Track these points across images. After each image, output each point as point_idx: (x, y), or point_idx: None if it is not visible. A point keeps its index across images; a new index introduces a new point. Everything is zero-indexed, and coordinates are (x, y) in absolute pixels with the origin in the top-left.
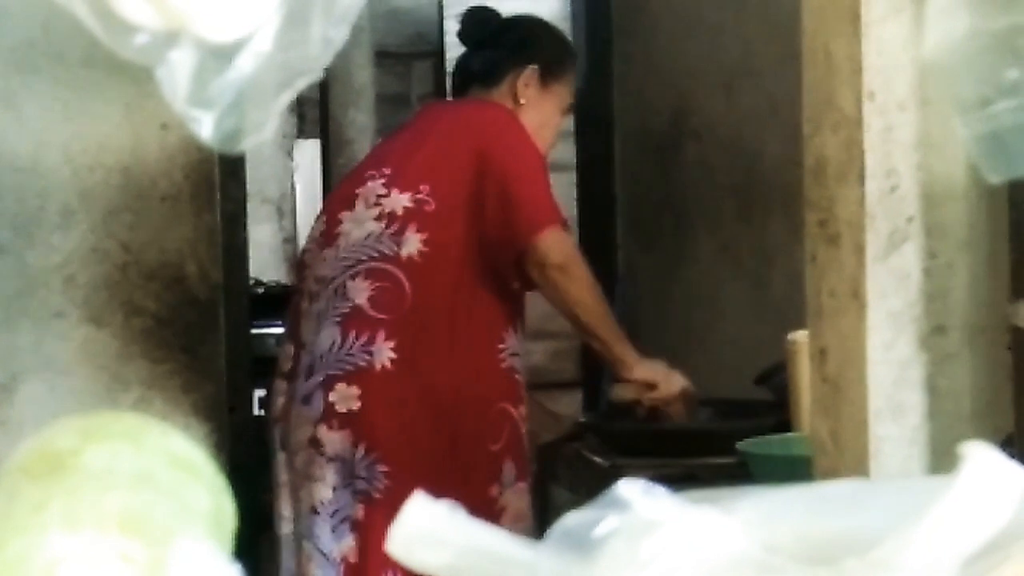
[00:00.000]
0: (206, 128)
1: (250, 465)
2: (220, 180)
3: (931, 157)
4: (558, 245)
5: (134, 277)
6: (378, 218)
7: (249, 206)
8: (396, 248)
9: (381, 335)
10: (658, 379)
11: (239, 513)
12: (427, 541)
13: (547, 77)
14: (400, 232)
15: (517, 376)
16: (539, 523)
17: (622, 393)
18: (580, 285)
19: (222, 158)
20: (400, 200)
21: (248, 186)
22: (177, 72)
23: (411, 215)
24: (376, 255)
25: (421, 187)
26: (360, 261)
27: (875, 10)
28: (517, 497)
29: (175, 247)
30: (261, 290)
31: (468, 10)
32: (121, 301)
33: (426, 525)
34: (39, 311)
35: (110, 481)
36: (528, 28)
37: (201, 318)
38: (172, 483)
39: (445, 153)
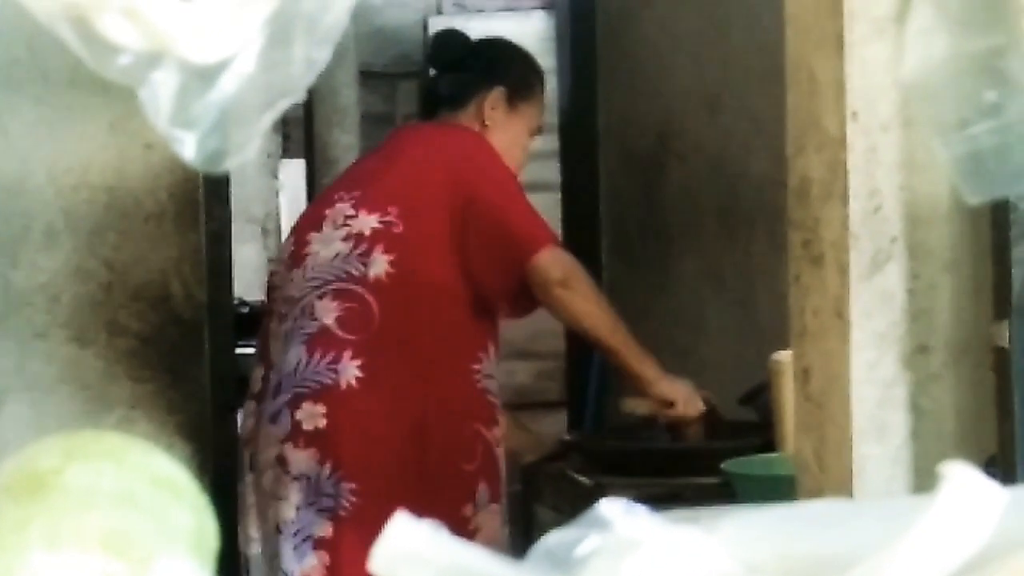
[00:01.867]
0: (189, 148)
1: (233, 485)
2: (204, 200)
3: (914, 178)
4: (557, 262)
5: (118, 297)
6: (346, 239)
7: (234, 226)
8: (363, 269)
9: (347, 354)
10: (677, 399)
11: (221, 533)
12: (410, 560)
13: (514, 99)
14: (367, 253)
15: (491, 398)
16: (522, 542)
17: (635, 406)
18: (585, 298)
19: (206, 178)
20: (368, 221)
21: (233, 205)
22: (160, 93)
23: (378, 236)
24: (344, 276)
25: (389, 209)
26: (327, 282)
27: (858, 31)
28: (491, 518)
29: (159, 267)
30: (246, 309)
31: (437, 33)
32: (105, 321)
33: (409, 544)
34: (23, 331)
35: (92, 500)
36: (495, 50)
37: (185, 338)
38: (154, 502)
39: (416, 178)
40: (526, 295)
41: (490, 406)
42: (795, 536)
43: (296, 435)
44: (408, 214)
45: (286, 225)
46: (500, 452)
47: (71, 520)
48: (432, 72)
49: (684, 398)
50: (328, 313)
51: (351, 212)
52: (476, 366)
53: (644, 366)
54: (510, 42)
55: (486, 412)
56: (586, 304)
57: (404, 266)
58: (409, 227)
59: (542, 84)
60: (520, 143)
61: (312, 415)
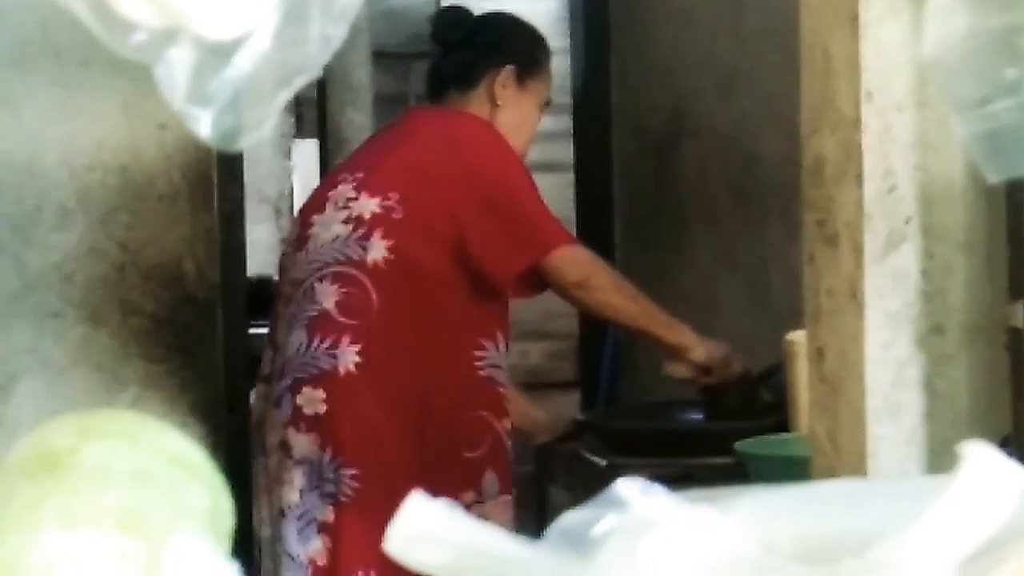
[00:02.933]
0: (204, 126)
1: (247, 464)
2: (218, 180)
3: (929, 158)
4: (571, 264)
5: (132, 277)
6: (345, 221)
7: (247, 206)
8: (362, 253)
9: (346, 339)
10: (715, 364)
11: (236, 512)
12: (425, 540)
13: (524, 76)
14: (366, 237)
15: (499, 388)
16: (537, 523)
17: (673, 371)
18: (606, 294)
19: (220, 158)
20: (368, 205)
21: (246, 186)
22: (175, 70)
23: (378, 220)
24: (343, 259)
25: (390, 194)
26: (327, 264)
27: (873, 11)
28: (500, 510)
29: (173, 247)
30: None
31: (440, 10)
32: (119, 301)
33: (424, 524)
34: (36, 311)
35: (107, 479)
36: (502, 27)
37: (199, 318)
38: (169, 481)
39: (420, 165)
40: (534, 278)
41: (497, 395)
42: (812, 516)
43: (298, 419)
44: (409, 200)
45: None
46: (510, 443)
47: (86, 499)
48: (437, 50)
49: (721, 364)
50: (328, 297)
51: (353, 194)
52: (478, 353)
53: (678, 336)
54: (514, 17)
55: (492, 400)
56: (606, 297)
57: (402, 252)
58: (409, 213)
59: (548, 57)
60: (531, 120)
61: (312, 400)
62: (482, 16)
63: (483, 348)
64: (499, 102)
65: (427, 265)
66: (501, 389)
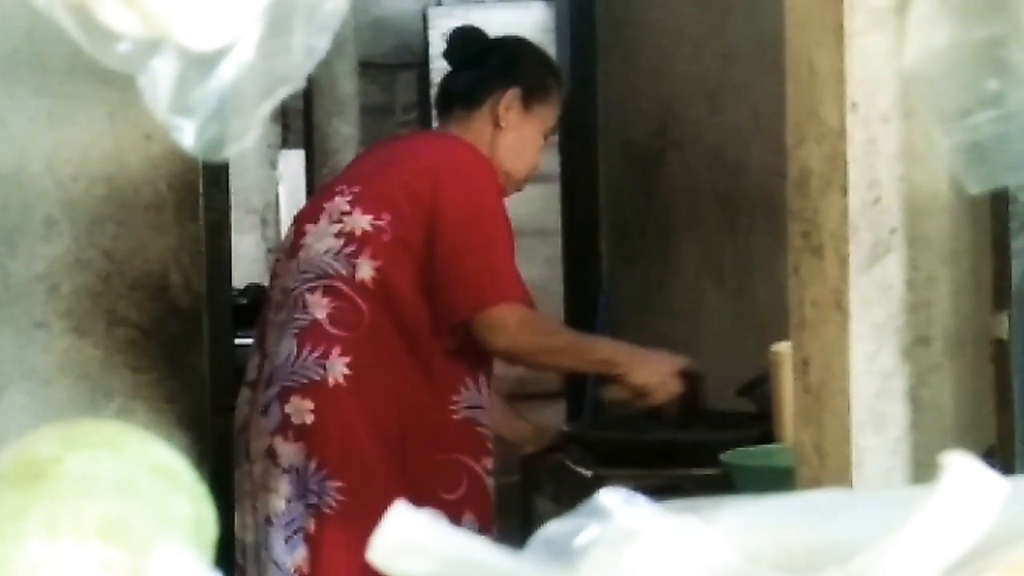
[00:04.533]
0: (188, 136)
1: (230, 470)
2: (203, 190)
3: (914, 169)
4: (499, 332)
5: (117, 287)
6: (338, 235)
7: (233, 216)
8: (352, 270)
9: (336, 350)
10: (651, 384)
11: (220, 522)
12: (409, 550)
13: (530, 100)
14: (355, 255)
15: (479, 429)
16: (521, 533)
17: (614, 394)
18: (533, 356)
19: (206, 168)
20: (361, 221)
21: (232, 196)
22: (159, 80)
23: (368, 239)
24: (332, 273)
25: (383, 215)
26: (318, 276)
27: (858, 22)
28: None
29: (158, 257)
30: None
31: (455, 29)
32: (104, 311)
33: (408, 533)
34: (22, 321)
35: (90, 489)
36: (513, 49)
37: (184, 328)
38: (153, 491)
39: (410, 191)
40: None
41: (476, 436)
42: (794, 526)
43: (286, 428)
44: (397, 224)
45: (285, 215)
46: (491, 482)
47: (69, 508)
48: (447, 69)
49: (657, 384)
50: (319, 308)
51: (347, 208)
52: (454, 396)
53: (613, 365)
54: (527, 41)
55: (470, 442)
56: (532, 360)
57: (388, 276)
58: (396, 238)
59: (558, 85)
60: (533, 145)
61: (300, 410)
62: (495, 38)
63: (458, 391)
64: (502, 123)
65: (408, 296)
66: (481, 429)
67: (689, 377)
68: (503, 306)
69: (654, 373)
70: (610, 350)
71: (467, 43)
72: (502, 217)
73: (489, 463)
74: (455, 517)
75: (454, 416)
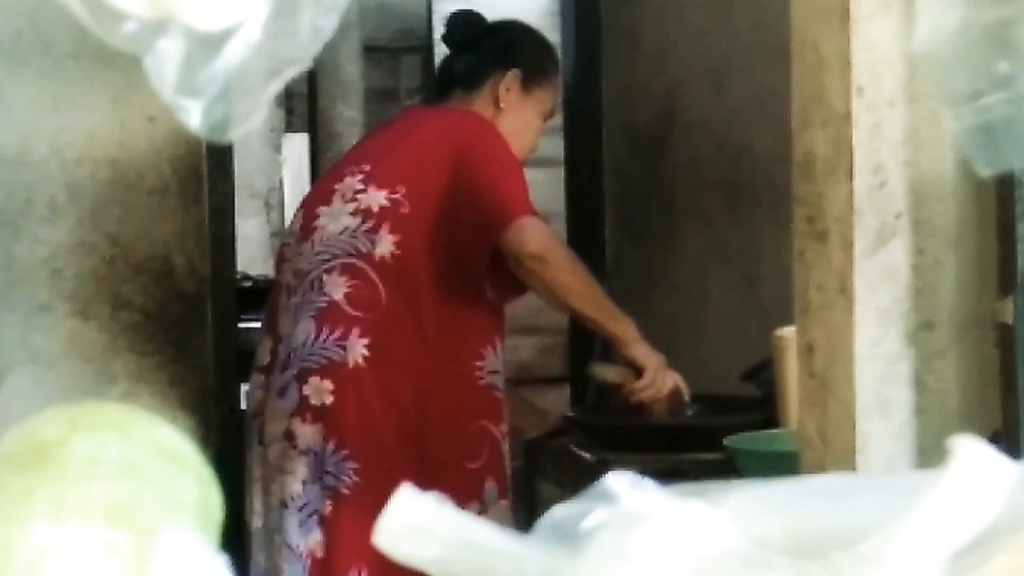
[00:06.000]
0: (194, 117)
1: (237, 458)
2: (208, 173)
3: (919, 153)
4: (532, 234)
5: (121, 270)
6: (354, 213)
7: (237, 200)
8: (371, 246)
9: (356, 331)
10: (648, 365)
11: (224, 506)
12: (414, 533)
13: (529, 82)
14: (374, 230)
15: (497, 394)
16: (526, 517)
17: (604, 373)
18: (561, 270)
19: (210, 151)
20: (376, 197)
21: (236, 180)
22: (165, 61)
23: (386, 214)
24: (352, 252)
25: (398, 188)
26: (335, 256)
27: (864, 6)
28: (500, 516)
29: (163, 240)
30: (249, 284)
31: (454, 13)
32: (108, 294)
33: (413, 517)
34: (26, 304)
35: (96, 471)
36: (512, 32)
37: (188, 312)
38: (159, 473)
39: (423, 160)
40: (512, 277)
41: (496, 401)
42: (803, 510)
43: (304, 410)
44: (415, 196)
45: (289, 199)
46: (506, 448)
47: (75, 491)
48: (447, 51)
49: (655, 367)
50: (337, 288)
51: (360, 187)
52: (479, 363)
53: (621, 327)
54: (526, 25)
55: (492, 408)
56: (562, 277)
57: (408, 248)
58: (415, 209)
59: (557, 68)
60: (533, 126)
61: (319, 390)
62: (494, 22)
63: (483, 357)
64: (502, 105)
65: (431, 265)
66: (499, 394)
67: (676, 392)
68: (529, 216)
69: (652, 358)
70: (623, 316)
71: (466, 26)
72: (512, 155)
73: (505, 428)
74: (479, 485)
75: (480, 382)
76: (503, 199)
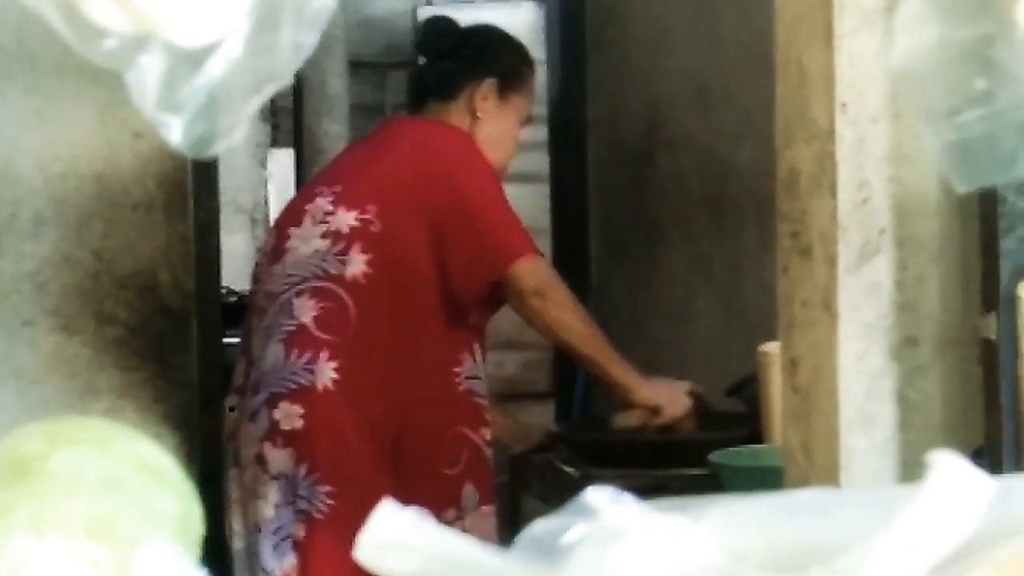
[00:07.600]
0: (176, 133)
1: (220, 474)
2: (193, 189)
3: (903, 169)
4: (533, 273)
5: (106, 286)
6: (324, 236)
7: (222, 215)
8: (341, 268)
9: (324, 355)
10: (661, 403)
11: (207, 522)
12: (395, 548)
13: (506, 90)
14: (345, 252)
15: (477, 399)
16: (509, 533)
17: (625, 421)
18: (561, 309)
19: (195, 167)
20: (346, 219)
21: (221, 195)
22: (147, 77)
23: (356, 235)
24: (321, 274)
25: (368, 207)
26: (305, 279)
27: (848, 23)
28: (482, 521)
29: (147, 256)
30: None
31: (427, 20)
32: (93, 310)
33: (394, 532)
34: (9, 319)
35: (77, 486)
36: (487, 39)
37: (173, 327)
38: (139, 488)
39: (398, 177)
40: (494, 297)
41: (476, 407)
42: (782, 525)
43: (274, 434)
44: (386, 213)
45: (274, 215)
46: (490, 453)
47: (56, 505)
48: (421, 60)
49: (668, 400)
50: (306, 312)
51: (330, 208)
52: (456, 368)
53: (623, 375)
54: (501, 31)
55: (471, 414)
56: (563, 316)
57: (381, 266)
58: (387, 227)
59: (532, 73)
60: (511, 134)
61: (289, 415)
62: (468, 28)
63: (460, 363)
64: (479, 114)
65: (405, 278)
66: (479, 400)
67: (695, 397)
68: (532, 255)
69: (662, 392)
70: (622, 360)
71: (440, 34)
72: (493, 175)
73: (487, 434)
74: (456, 491)
75: (459, 388)
76: (501, 237)
